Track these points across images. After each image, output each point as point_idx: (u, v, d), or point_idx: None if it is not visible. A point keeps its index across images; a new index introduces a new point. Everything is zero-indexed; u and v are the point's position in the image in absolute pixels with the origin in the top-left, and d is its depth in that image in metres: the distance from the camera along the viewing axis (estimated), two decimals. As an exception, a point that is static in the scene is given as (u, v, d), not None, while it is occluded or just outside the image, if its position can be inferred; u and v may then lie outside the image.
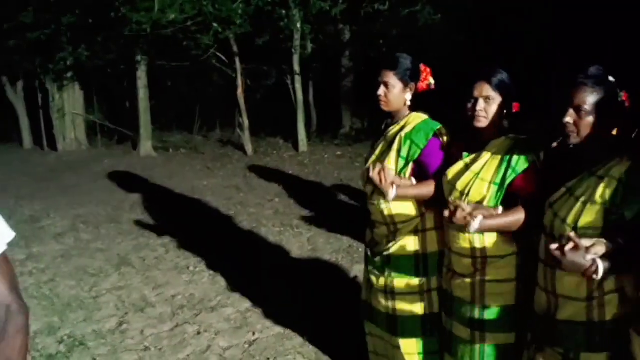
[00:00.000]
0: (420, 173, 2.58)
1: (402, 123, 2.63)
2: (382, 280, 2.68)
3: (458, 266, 2.39)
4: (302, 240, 5.43)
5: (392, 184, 2.44)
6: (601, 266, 1.69)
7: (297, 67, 9.38)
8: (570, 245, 1.69)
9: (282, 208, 6.48)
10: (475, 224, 2.11)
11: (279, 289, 4.35)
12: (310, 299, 4.14)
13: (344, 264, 4.78)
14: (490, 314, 2.30)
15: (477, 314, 2.32)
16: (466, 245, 2.32)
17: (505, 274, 2.28)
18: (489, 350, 2.31)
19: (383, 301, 2.68)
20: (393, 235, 2.64)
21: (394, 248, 2.63)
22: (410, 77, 2.60)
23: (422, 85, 2.64)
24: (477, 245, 2.30)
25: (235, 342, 3.66)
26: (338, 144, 9.79)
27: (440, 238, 2.58)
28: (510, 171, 2.23)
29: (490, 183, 2.26)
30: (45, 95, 10.74)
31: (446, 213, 2.18)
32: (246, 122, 9.57)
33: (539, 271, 2.07)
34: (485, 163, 2.30)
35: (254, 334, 3.74)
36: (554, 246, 1.74)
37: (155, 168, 8.90)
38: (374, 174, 2.45)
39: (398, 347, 2.67)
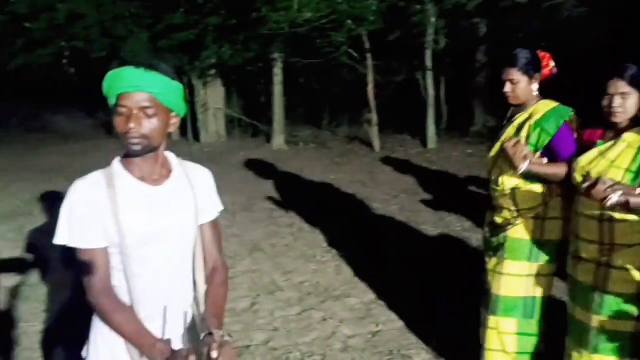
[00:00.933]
0: (550, 160, 2.62)
1: (530, 111, 2.69)
2: (494, 261, 2.79)
3: (585, 252, 2.44)
4: (427, 237, 5.40)
5: (525, 156, 2.51)
6: None
7: (429, 63, 9.28)
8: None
9: (408, 204, 6.48)
10: (615, 197, 2.07)
11: (403, 283, 4.37)
12: (435, 294, 4.12)
13: (471, 263, 4.68)
14: (611, 300, 2.34)
15: (597, 299, 2.38)
16: (595, 231, 2.37)
17: (632, 263, 2.32)
18: (605, 335, 2.37)
19: (490, 280, 2.79)
20: (514, 219, 2.72)
21: (511, 232, 2.72)
22: (532, 69, 2.67)
23: (545, 72, 2.73)
24: (606, 232, 2.34)
25: (358, 332, 3.75)
26: (469, 141, 9.55)
27: (562, 228, 2.65)
28: None
29: (626, 171, 2.31)
30: (191, 91, 11.62)
31: (585, 184, 2.17)
32: (375, 118, 9.65)
33: None
34: (621, 151, 2.35)
35: (377, 325, 3.81)
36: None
37: (286, 161, 9.28)
38: (508, 145, 2.54)
39: (494, 328, 2.76)
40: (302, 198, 7.08)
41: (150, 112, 1.58)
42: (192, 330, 1.67)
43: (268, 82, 11.30)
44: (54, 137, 12.07)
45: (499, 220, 2.79)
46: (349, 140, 10.77)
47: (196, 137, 11.67)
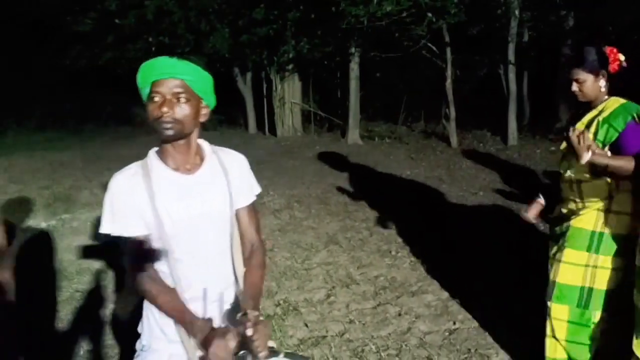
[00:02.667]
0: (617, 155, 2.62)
1: (600, 108, 2.73)
2: (555, 249, 2.86)
3: None
4: (505, 235, 5.23)
5: (588, 147, 2.49)
6: None
7: (511, 57, 8.97)
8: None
9: (486, 201, 6.31)
10: None
11: (481, 280, 4.26)
12: (514, 293, 3.98)
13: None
14: None
15: None
16: None
17: None
18: None
19: (550, 266, 2.86)
20: (578, 211, 2.78)
21: (574, 221, 2.78)
22: (599, 66, 2.70)
23: (613, 67, 2.73)
24: None
25: (435, 329, 3.69)
26: (552, 138, 9.14)
27: (629, 223, 2.64)
28: None
29: None
30: (269, 85, 11.83)
31: None
32: (453, 113, 9.45)
33: None
34: None
35: (454, 323, 3.74)
36: None
37: (361, 156, 9.27)
38: (573, 135, 2.52)
39: (548, 313, 2.82)
40: (377, 193, 7.04)
41: (182, 98, 1.65)
42: (232, 311, 1.73)
43: (344, 77, 11.31)
44: (141, 128, 12.66)
45: (564, 210, 2.87)
46: (425, 136, 10.60)
47: (272, 131, 11.88)
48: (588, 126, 2.72)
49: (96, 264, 4.82)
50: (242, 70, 12.01)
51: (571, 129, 2.60)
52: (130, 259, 1.71)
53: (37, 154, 9.96)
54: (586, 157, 2.48)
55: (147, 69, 1.69)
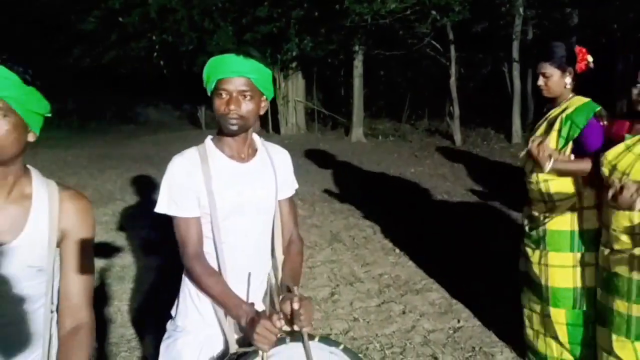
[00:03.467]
0: (579, 152, 2.73)
1: (563, 105, 2.80)
2: (537, 254, 2.89)
3: (617, 243, 2.50)
4: (510, 234, 5.21)
5: (549, 156, 2.64)
6: None
7: (516, 55, 8.96)
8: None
9: (490, 199, 6.29)
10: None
11: (485, 279, 4.25)
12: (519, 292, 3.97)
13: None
14: None
15: (634, 287, 2.43)
16: (626, 223, 2.43)
17: None
18: None
19: (537, 272, 2.89)
20: (550, 212, 2.83)
21: (550, 224, 2.82)
22: (566, 63, 2.76)
23: (580, 66, 2.79)
24: (637, 222, 2.39)
25: (439, 327, 3.69)
26: (526, 137, 9.13)
27: (598, 216, 2.71)
28: None
29: None
30: (273, 83, 11.82)
31: (611, 192, 2.19)
32: (457, 111, 9.43)
33: None
34: None
35: (458, 321, 3.73)
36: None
37: (365, 154, 9.26)
38: (532, 146, 2.68)
39: (549, 316, 2.87)
40: (381, 191, 7.04)
41: (247, 95, 1.74)
42: (272, 295, 1.76)
43: (348, 75, 11.31)
44: (144, 127, 12.69)
45: (535, 212, 2.91)
46: (429, 134, 10.59)
47: (276, 129, 11.88)
48: (552, 123, 2.80)
49: (100, 262, 4.82)
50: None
51: (531, 140, 2.77)
52: (181, 240, 1.77)
53: (41, 153, 9.98)
54: (548, 166, 2.65)
55: (215, 65, 1.76)
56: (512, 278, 3.56)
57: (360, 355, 1.72)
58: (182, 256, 1.77)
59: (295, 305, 1.58)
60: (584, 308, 2.82)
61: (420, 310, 3.92)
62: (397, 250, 5.02)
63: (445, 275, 4.39)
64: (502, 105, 9.64)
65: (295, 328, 1.60)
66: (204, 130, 12.66)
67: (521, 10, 8.51)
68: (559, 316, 2.87)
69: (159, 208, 1.78)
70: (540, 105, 3.06)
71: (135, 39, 10.80)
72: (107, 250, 5.05)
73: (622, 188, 2.13)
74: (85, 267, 1.45)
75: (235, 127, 1.74)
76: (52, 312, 1.45)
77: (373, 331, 3.66)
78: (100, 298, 4.25)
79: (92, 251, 1.48)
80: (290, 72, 11.51)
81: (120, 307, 4.05)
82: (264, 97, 1.80)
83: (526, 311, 3.07)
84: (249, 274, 1.79)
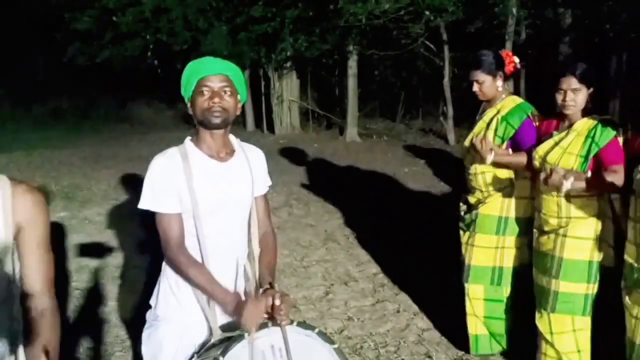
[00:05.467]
0: (515, 150, 3.05)
1: (498, 106, 3.10)
2: (467, 235, 3.23)
3: (546, 225, 2.82)
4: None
5: (490, 149, 2.92)
6: None
7: (509, 55, 8.97)
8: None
9: (485, 199, 6.32)
10: (568, 184, 2.47)
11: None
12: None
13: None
14: (567, 265, 2.73)
15: (555, 264, 2.75)
16: (554, 207, 2.76)
17: (584, 233, 2.71)
18: (561, 297, 2.74)
19: (463, 252, 3.23)
20: (485, 199, 3.15)
21: (482, 208, 3.15)
22: (495, 68, 3.05)
23: (509, 68, 3.11)
24: (564, 207, 2.73)
25: (433, 325, 3.72)
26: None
27: (524, 206, 3.07)
28: (594, 145, 2.66)
29: (577, 156, 2.69)
30: (267, 83, 11.83)
31: (543, 175, 2.59)
32: (450, 111, 9.47)
33: (629, 227, 2.45)
34: (572, 140, 2.73)
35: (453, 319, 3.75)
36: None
37: (360, 153, 9.29)
38: (477, 141, 2.97)
39: (466, 294, 3.20)
40: (375, 190, 7.06)
41: (228, 91, 1.89)
42: (252, 284, 1.92)
43: (342, 75, 11.32)
44: (138, 126, 12.66)
45: (472, 200, 3.23)
46: (423, 133, 10.62)
47: (270, 129, 11.88)
48: (489, 123, 3.10)
49: (95, 262, 4.82)
50: (240, 67, 11.92)
51: (476, 136, 3.04)
52: (164, 235, 1.88)
53: (35, 152, 9.95)
54: (490, 158, 2.92)
55: (195, 67, 1.91)
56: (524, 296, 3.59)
57: (333, 338, 1.89)
58: (166, 249, 1.88)
59: (277, 302, 1.75)
60: (501, 285, 3.16)
61: (415, 309, 3.95)
62: (392, 249, 5.04)
63: (440, 274, 4.40)
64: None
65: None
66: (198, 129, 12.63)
67: (514, 10, 8.54)
68: (477, 292, 3.19)
69: (142, 204, 1.89)
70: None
71: (129, 38, 10.76)
72: (101, 250, 5.05)
73: (552, 172, 2.52)
74: (43, 257, 1.51)
75: (219, 120, 1.87)
76: (13, 302, 1.49)
77: (367, 330, 3.69)
78: (94, 298, 4.25)
79: (49, 241, 1.53)
80: (285, 72, 11.51)
81: (114, 307, 4.05)
82: (239, 97, 1.94)
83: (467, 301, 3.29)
84: (237, 264, 1.93)
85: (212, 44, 10.26)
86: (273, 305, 1.75)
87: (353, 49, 10.20)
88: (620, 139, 2.68)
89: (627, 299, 2.48)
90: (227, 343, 1.72)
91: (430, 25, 8.67)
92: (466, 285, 3.20)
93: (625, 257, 2.51)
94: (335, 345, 1.83)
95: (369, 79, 11.88)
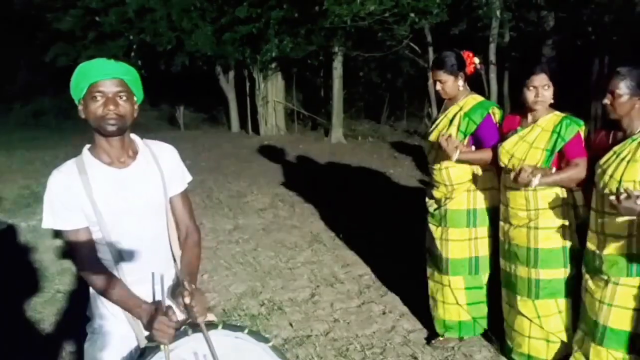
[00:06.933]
0: (477, 145, 3.19)
1: (460, 104, 3.23)
2: (439, 230, 3.36)
3: (515, 219, 2.97)
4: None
5: (456, 147, 3.02)
6: None
7: (492, 57, 9.04)
8: (624, 195, 2.23)
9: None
10: (536, 181, 2.66)
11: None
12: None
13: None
14: (543, 254, 2.89)
15: (532, 254, 2.91)
16: (522, 201, 2.91)
17: (554, 223, 2.87)
18: (543, 283, 2.92)
19: (439, 246, 3.36)
20: (450, 194, 3.28)
21: (450, 204, 3.28)
22: (457, 68, 3.17)
23: (470, 69, 3.24)
24: (532, 200, 2.88)
25: (419, 327, 3.73)
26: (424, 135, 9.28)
27: (489, 197, 3.23)
28: (559, 140, 2.80)
29: (543, 150, 2.84)
30: (252, 84, 11.79)
31: (512, 175, 2.76)
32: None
33: (591, 217, 2.66)
34: (538, 134, 2.86)
35: (438, 321, 3.76)
36: (612, 197, 2.29)
37: (345, 155, 9.29)
38: (442, 139, 3.06)
39: (448, 285, 3.35)
40: (360, 192, 7.07)
41: (123, 96, 1.79)
42: (174, 288, 1.86)
43: (327, 76, 11.32)
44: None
45: (437, 195, 3.36)
46: (408, 135, 10.66)
47: (255, 130, 11.84)
48: (452, 120, 3.22)
49: (73, 266, 4.76)
50: (225, 68, 11.95)
51: (441, 134, 3.15)
52: (73, 250, 1.83)
53: (17, 153, 9.81)
54: (455, 155, 3.04)
55: (85, 70, 1.79)
56: (497, 279, 3.62)
57: (267, 336, 1.82)
58: (78, 266, 1.84)
59: (187, 300, 1.68)
60: (479, 273, 3.32)
61: (401, 310, 3.95)
62: (377, 251, 5.04)
63: (424, 276, 4.40)
64: (480, 106, 9.73)
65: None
66: (182, 130, 12.57)
67: (498, 13, 8.59)
68: (458, 282, 3.34)
69: (45, 223, 1.82)
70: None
71: (112, 38, 10.66)
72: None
73: (520, 170, 2.69)
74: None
75: (114, 128, 1.78)
76: None
77: (353, 332, 3.68)
78: (76, 301, 4.19)
79: None
80: (270, 73, 11.48)
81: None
82: (136, 99, 1.86)
83: (430, 282, 3.52)
84: (153, 274, 1.84)
85: (197, 44, 10.20)
86: (184, 304, 1.69)
87: (338, 51, 10.20)
88: (583, 134, 2.81)
89: (589, 283, 2.68)
90: (143, 357, 1.67)
91: (415, 27, 8.69)
92: (445, 277, 3.36)
93: (588, 244, 2.68)
94: (271, 343, 1.75)
95: (354, 80, 11.90)
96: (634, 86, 2.50)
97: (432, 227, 3.43)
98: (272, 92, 11.67)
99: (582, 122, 2.83)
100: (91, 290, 1.90)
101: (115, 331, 1.86)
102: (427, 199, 3.50)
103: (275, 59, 11.00)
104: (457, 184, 3.26)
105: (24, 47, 13.03)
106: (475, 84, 10.24)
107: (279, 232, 5.68)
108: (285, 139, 11.19)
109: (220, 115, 13.06)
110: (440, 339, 3.46)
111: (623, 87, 2.50)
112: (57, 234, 5.70)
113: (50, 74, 12.88)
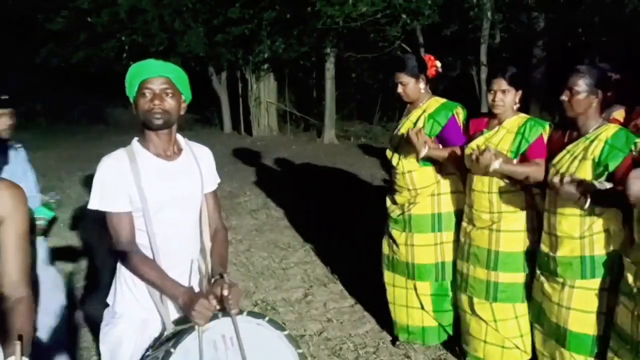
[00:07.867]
0: (442, 146, 3.19)
1: (423, 107, 3.24)
2: (403, 236, 3.31)
3: (478, 221, 2.97)
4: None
5: (425, 142, 3.03)
6: (588, 199, 2.31)
7: (483, 58, 9.10)
8: (568, 179, 2.32)
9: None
10: (496, 164, 2.68)
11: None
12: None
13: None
14: (504, 257, 2.90)
15: (492, 257, 2.92)
16: (486, 203, 2.92)
17: (516, 226, 2.88)
18: (502, 287, 2.92)
19: (404, 252, 3.31)
20: (414, 198, 3.26)
21: (414, 209, 3.26)
22: (418, 71, 3.17)
23: (431, 72, 3.24)
24: (495, 203, 2.89)
25: (411, 326, 3.73)
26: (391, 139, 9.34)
27: (453, 201, 3.22)
28: (524, 141, 2.83)
29: (508, 151, 2.85)
30: (245, 84, 11.79)
31: (474, 155, 2.76)
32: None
33: (544, 219, 2.68)
34: (503, 137, 2.90)
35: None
36: (556, 178, 2.37)
37: (337, 156, 9.31)
38: (412, 133, 3.04)
39: (414, 289, 3.32)
40: (353, 192, 7.09)
41: (169, 92, 1.93)
42: (204, 277, 1.99)
43: (320, 77, 11.34)
44: (113, 128, 12.50)
45: (401, 200, 3.33)
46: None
47: (248, 131, 11.84)
48: (416, 123, 3.22)
49: (68, 266, 4.74)
50: (217, 69, 11.94)
51: (410, 129, 3.13)
52: (115, 232, 1.92)
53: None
54: (424, 151, 3.05)
55: (137, 70, 1.94)
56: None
57: (283, 325, 1.95)
58: (117, 246, 1.93)
59: (225, 292, 1.80)
60: (445, 279, 3.27)
61: (393, 310, 3.96)
62: (370, 251, 5.05)
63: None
64: (471, 107, 9.78)
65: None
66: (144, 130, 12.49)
67: (489, 14, 8.65)
68: (424, 288, 3.30)
69: (92, 205, 1.92)
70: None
71: (104, 39, 10.63)
72: (76, 253, 4.97)
73: (484, 151, 2.70)
74: (21, 247, 1.56)
75: (160, 122, 1.91)
76: None
77: (347, 331, 3.70)
78: (68, 302, 4.16)
79: (28, 233, 1.59)
80: (262, 74, 11.49)
81: (89, 311, 3.99)
82: (183, 98, 2.00)
83: (390, 288, 3.46)
84: (189, 259, 2.00)
85: (189, 45, 10.19)
86: (222, 295, 1.80)
87: (330, 52, 10.23)
88: (546, 136, 2.84)
89: (545, 286, 2.67)
90: (178, 336, 1.79)
91: (407, 28, 8.74)
92: (411, 281, 3.34)
93: (541, 245, 2.70)
94: (286, 332, 1.90)
95: (347, 81, 11.92)
96: (591, 84, 2.51)
97: (395, 232, 3.37)
98: (265, 93, 11.68)
99: (546, 124, 2.86)
100: (118, 276, 2.00)
101: (137, 316, 1.95)
102: (388, 205, 3.44)
103: (268, 60, 11.02)
104: (420, 188, 3.24)
105: (15, 47, 12.95)
106: (466, 85, 10.32)
107: (272, 233, 5.69)
108: (278, 139, 11.20)
109: (213, 116, 13.04)
110: (404, 342, 3.47)
111: (582, 85, 2.51)
112: (50, 233, 5.67)
113: (42, 75, 12.83)
